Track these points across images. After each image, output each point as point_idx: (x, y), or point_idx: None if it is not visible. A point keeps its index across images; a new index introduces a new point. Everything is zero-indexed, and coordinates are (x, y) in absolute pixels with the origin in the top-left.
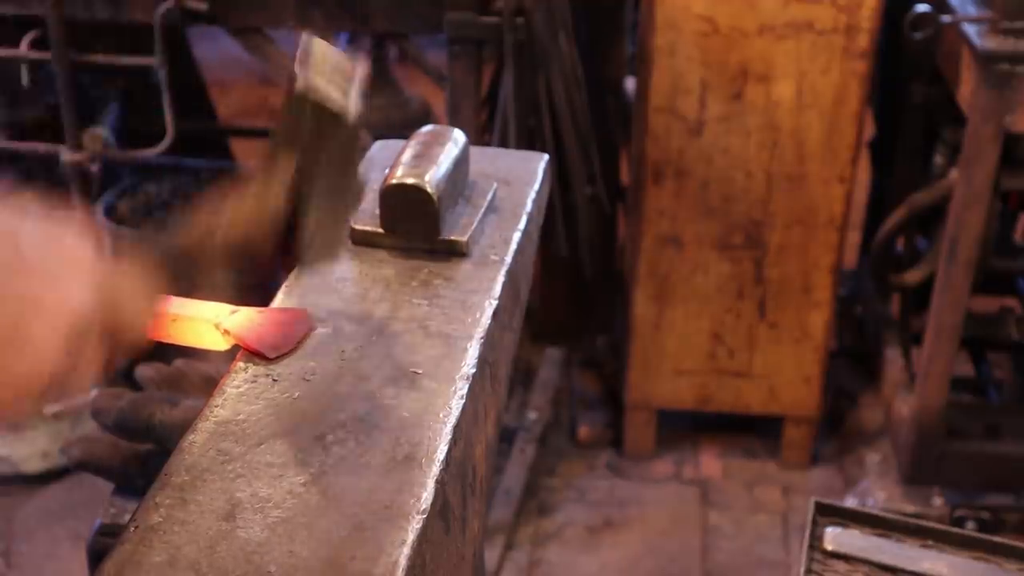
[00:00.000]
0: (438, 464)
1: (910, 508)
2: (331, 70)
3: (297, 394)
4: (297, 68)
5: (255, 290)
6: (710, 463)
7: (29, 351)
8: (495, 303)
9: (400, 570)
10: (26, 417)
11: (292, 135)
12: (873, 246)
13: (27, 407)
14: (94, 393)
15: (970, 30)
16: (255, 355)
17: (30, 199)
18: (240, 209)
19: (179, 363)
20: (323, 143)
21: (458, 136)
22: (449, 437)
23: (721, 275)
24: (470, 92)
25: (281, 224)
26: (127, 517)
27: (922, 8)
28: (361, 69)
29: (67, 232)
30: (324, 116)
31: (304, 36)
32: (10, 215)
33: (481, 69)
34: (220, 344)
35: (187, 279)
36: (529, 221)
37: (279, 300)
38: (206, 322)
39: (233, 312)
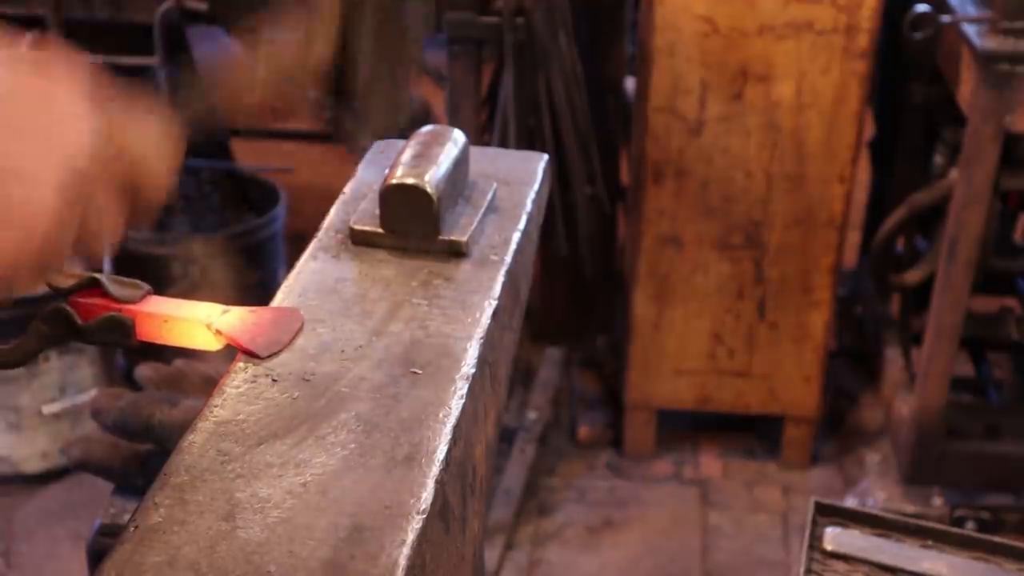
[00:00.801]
0: (438, 464)
1: (910, 508)
2: None
3: (297, 394)
4: None
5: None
6: (710, 463)
7: (27, 180)
8: (495, 303)
9: (400, 570)
10: (27, 286)
11: None
12: (873, 246)
13: (28, 272)
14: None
15: (970, 30)
16: (247, 355)
17: (20, 43)
18: (279, 61)
19: (179, 363)
20: None
21: (458, 136)
22: (449, 437)
23: (721, 275)
24: (470, 92)
25: (326, 75)
26: (127, 517)
27: (922, 8)
28: None
29: (64, 73)
30: None
31: None
32: None
33: (481, 69)
34: (212, 344)
35: (226, 108)
36: (529, 221)
37: (278, 300)
38: (198, 322)
39: (225, 312)
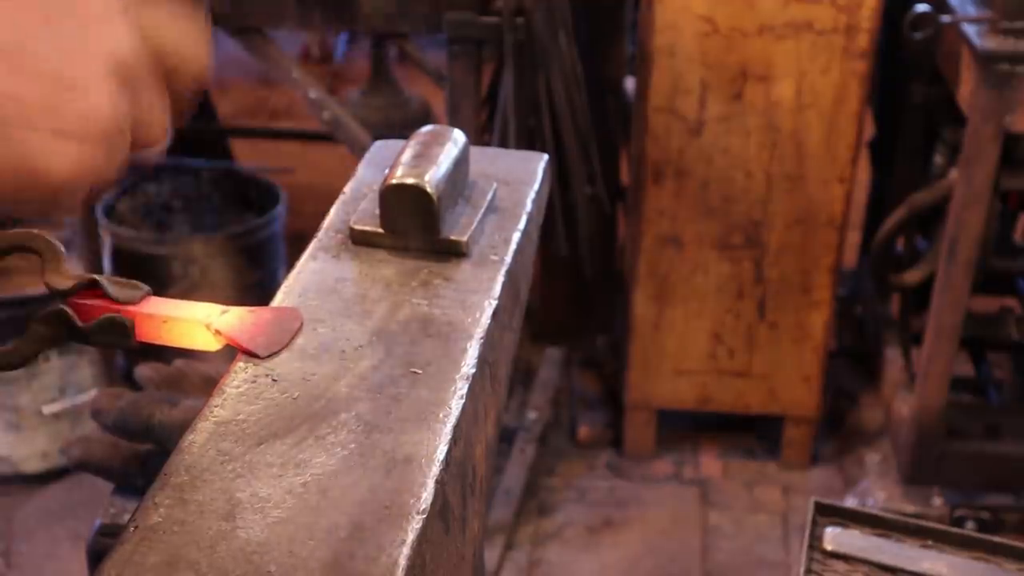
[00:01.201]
0: (438, 464)
1: (910, 508)
2: None
3: (297, 394)
4: None
5: None
6: (710, 463)
7: (79, 90)
8: (495, 303)
9: (400, 570)
10: (109, 171)
11: None
12: (873, 246)
13: (95, 179)
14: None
15: (970, 30)
16: (247, 355)
17: None
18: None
19: (179, 363)
20: None
21: (458, 136)
22: (449, 437)
23: (721, 275)
24: (470, 92)
25: None
26: (127, 517)
27: (922, 8)
28: None
29: None
30: None
31: None
32: None
33: (481, 69)
34: (211, 344)
35: None
36: (529, 221)
37: (278, 300)
38: (197, 323)
39: (224, 312)
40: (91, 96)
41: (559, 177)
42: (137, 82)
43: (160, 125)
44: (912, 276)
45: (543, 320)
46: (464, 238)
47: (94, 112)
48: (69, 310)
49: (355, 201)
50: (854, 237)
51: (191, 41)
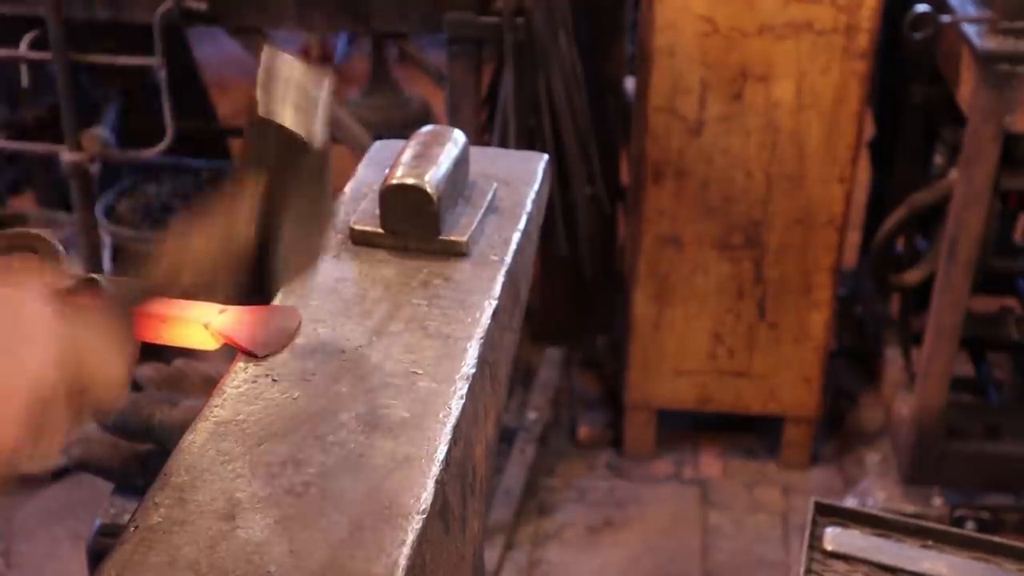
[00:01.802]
0: (438, 464)
1: (910, 508)
2: (295, 90)
3: (297, 394)
4: (259, 91)
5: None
6: (710, 463)
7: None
8: (495, 303)
9: (400, 570)
10: None
11: (256, 162)
12: (873, 246)
13: None
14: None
15: (970, 30)
16: (245, 354)
17: None
18: (206, 244)
19: (179, 363)
20: (289, 170)
21: (458, 136)
22: (449, 437)
23: (721, 275)
24: (470, 92)
25: (249, 257)
26: (127, 517)
27: (922, 8)
28: (328, 84)
29: (20, 295)
30: (289, 143)
31: (265, 51)
32: None
33: (481, 69)
34: (209, 344)
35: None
36: (529, 221)
37: (278, 299)
38: (196, 322)
39: (222, 312)
40: (10, 408)
41: (559, 177)
42: (47, 411)
43: (58, 440)
44: (912, 276)
45: (543, 320)
46: (464, 238)
47: (10, 423)
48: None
49: (355, 201)
50: (854, 237)
51: (106, 362)
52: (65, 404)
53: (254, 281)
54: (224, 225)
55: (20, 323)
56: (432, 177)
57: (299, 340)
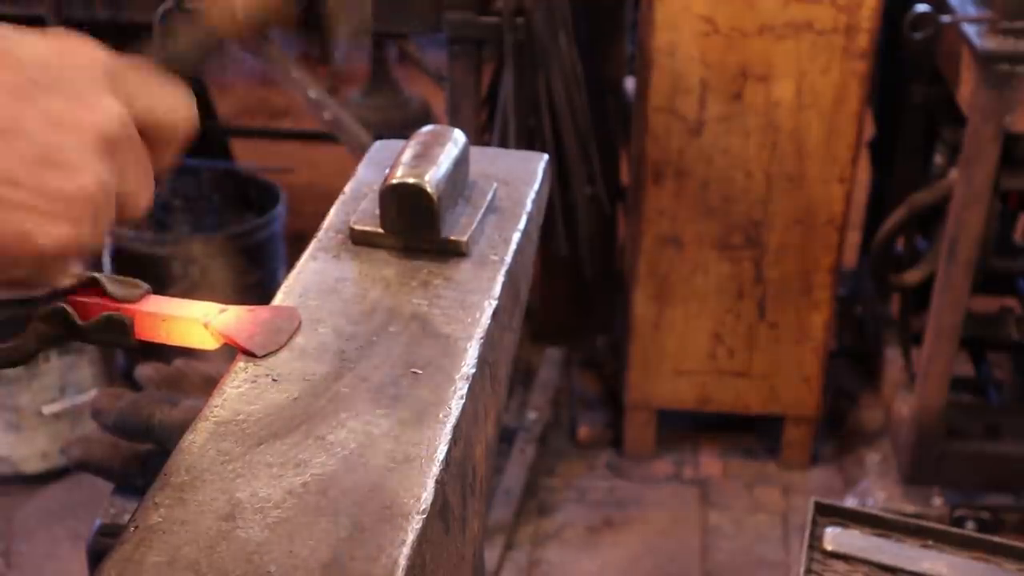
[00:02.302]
0: (438, 464)
1: (910, 508)
2: None
3: (297, 394)
4: None
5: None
6: (710, 463)
7: (68, 170)
8: (495, 303)
9: (400, 570)
10: (95, 241)
11: None
12: (873, 246)
13: (87, 231)
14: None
15: (970, 30)
16: (244, 353)
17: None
18: None
19: (179, 363)
20: None
21: (458, 136)
22: (449, 437)
23: (721, 275)
24: (470, 92)
25: None
26: (127, 517)
27: (922, 8)
28: None
29: (73, 42)
30: None
31: None
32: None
33: (481, 69)
34: (209, 343)
35: (210, 53)
36: (529, 221)
37: (278, 300)
38: (195, 321)
39: (222, 311)
40: (77, 175)
41: (559, 177)
42: (123, 153)
43: (145, 192)
44: (912, 276)
45: (543, 320)
46: (464, 238)
47: (80, 191)
48: (69, 308)
49: (355, 201)
50: (854, 237)
51: (175, 105)
52: (138, 160)
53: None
54: None
55: (77, 86)
56: (432, 177)
57: (299, 340)
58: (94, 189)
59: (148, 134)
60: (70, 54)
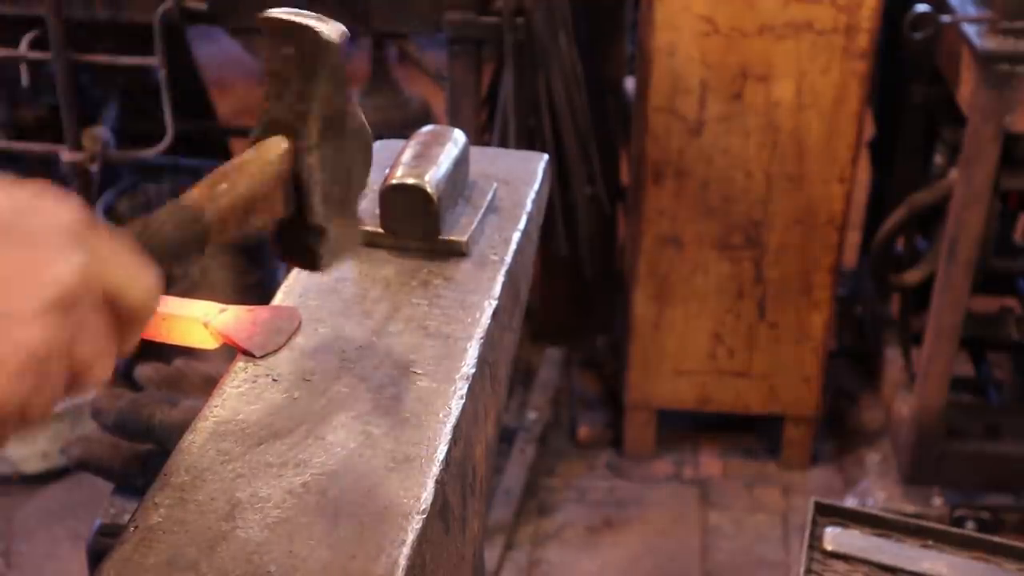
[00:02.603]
0: (438, 464)
1: (910, 508)
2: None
3: (297, 394)
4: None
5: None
6: (710, 463)
7: (12, 324)
8: (495, 303)
9: (400, 570)
10: (39, 405)
11: (281, 77)
12: (873, 246)
13: (27, 390)
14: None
15: (970, 30)
16: (243, 353)
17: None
18: (242, 169)
19: (179, 363)
20: (314, 74)
21: (458, 136)
22: (449, 437)
23: (721, 275)
24: (470, 92)
25: (285, 178)
26: (127, 517)
27: (922, 8)
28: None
29: (48, 197)
30: (311, 41)
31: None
32: None
33: (481, 69)
34: (209, 342)
35: (192, 249)
36: (529, 221)
37: (278, 300)
38: (195, 321)
39: (222, 311)
40: (24, 327)
41: (559, 177)
42: (81, 315)
43: (104, 361)
44: (912, 276)
45: (543, 320)
46: (464, 238)
47: (24, 343)
48: None
49: None
50: (854, 237)
51: (142, 286)
52: (97, 325)
53: (292, 211)
54: (259, 150)
55: (39, 244)
56: (432, 177)
57: (299, 340)
58: (38, 345)
59: (110, 307)
60: (42, 209)
